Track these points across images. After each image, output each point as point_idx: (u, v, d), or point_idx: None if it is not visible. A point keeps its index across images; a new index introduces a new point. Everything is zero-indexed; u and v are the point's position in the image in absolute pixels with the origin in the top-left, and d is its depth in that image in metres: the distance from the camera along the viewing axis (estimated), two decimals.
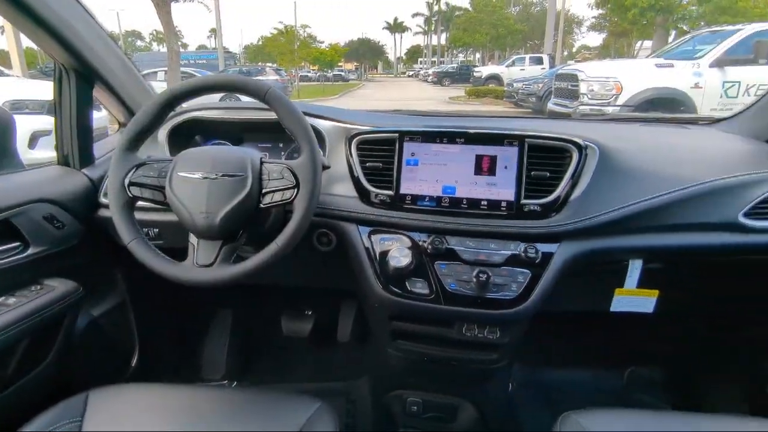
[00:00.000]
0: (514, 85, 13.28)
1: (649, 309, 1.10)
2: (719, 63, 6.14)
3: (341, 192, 1.04)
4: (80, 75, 1.11)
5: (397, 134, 1.00)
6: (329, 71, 31.51)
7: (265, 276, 0.84)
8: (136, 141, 0.89)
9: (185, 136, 1.23)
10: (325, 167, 0.96)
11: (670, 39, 16.35)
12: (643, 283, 1.06)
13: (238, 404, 0.89)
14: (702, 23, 15.68)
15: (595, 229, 0.94)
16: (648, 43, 20.77)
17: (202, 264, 0.85)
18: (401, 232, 0.99)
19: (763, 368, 1.21)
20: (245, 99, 0.95)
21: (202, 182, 0.84)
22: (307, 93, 20.66)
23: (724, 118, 1.31)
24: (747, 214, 0.96)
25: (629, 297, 1.09)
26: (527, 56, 20.96)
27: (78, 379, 1.12)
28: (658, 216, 0.96)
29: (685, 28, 16.77)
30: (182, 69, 11.21)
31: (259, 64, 30.59)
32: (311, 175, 0.83)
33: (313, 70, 35.79)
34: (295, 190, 0.84)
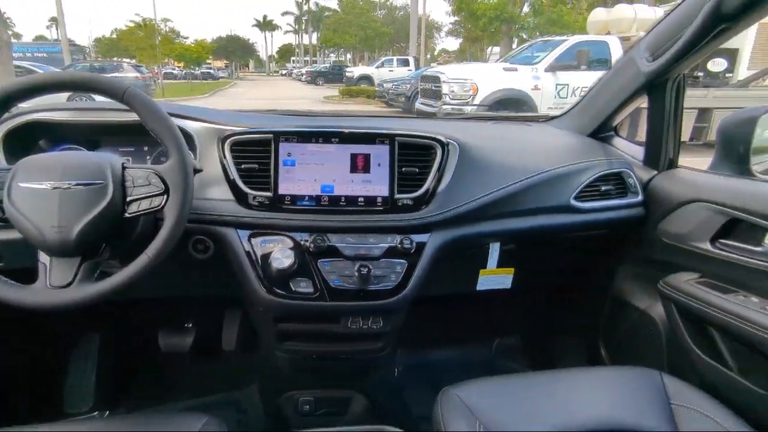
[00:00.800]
0: (384, 85, 13.85)
1: (508, 285, 1.26)
2: (552, 68, 7.18)
3: (217, 195, 1.00)
4: None
5: (272, 135, 1.00)
6: (197, 69, 29.41)
7: (137, 290, 0.78)
8: None
9: (25, 141, 1.07)
10: (197, 170, 0.91)
11: (514, 46, 18.51)
12: (502, 263, 1.21)
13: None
14: (537, 33, 18.04)
15: (460, 217, 1.05)
16: (497, 49, 23.21)
17: (57, 285, 0.75)
18: (282, 233, 1.00)
19: (593, 326, 1.46)
20: (100, 99, 0.86)
21: (52, 193, 0.75)
22: (173, 91, 19.10)
23: (556, 116, 1.55)
24: (576, 198, 1.16)
25: (491, 276, 1.24)
26: (395, 58, 21.94)
27: None
28: (509, 203, 1.10)
29: (525, 36, 19.12)
30: (16, 63, 9.44)
31: (115, 59, 27.25)
32: (182, 180, 0.80)
33: (179, 67, 33.05)
34: (165, 196, 0.80)
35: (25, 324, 1.32)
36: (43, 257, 0.78)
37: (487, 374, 0.99)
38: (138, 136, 1.09)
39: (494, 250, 1.19)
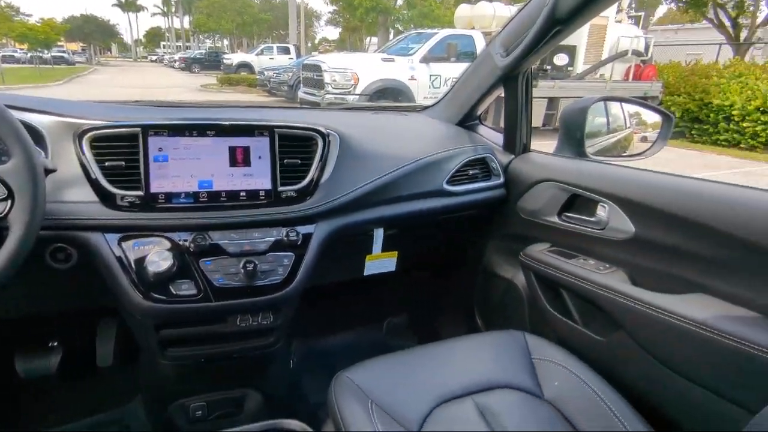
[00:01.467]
0: (266, 73, 13.39)
1: (392, 268, 1.34)
2: (425, 59, 7.61)
3: (77, 197, 0.90)
4: None
5: (139, 128, 0.92)
6: (46, 52, 25.19)
7: None
8: None
9: None
10: (50, 170, 0.81)
11: (390, 36, 19.12)
12: (386, 247, 1.28)
13: None
14: (412, 25, 18.84)
15: (344, 207, 1.09)
16: (375, 39, 23.73)
17: None
18: (158, 234, 0.94)
19: (470, 298, 1.62)
20: None
21: None
22: (16, 77, 16.29)
23: (429, 106, 1.66)
24: (448, 182, 1.27)
25: (377, 261, 1.30)
26: (275, 45, 21.28)
27: None
28: (388, 190, 1.17)
29: (400, 28, 19.85)
30: None
31: None
32: (29, 182, 0.71)
33: (22, 49, 28.01)
34: (8, 202, 0.71)
35: None
36: None
37: (380, 354, 1.05)
38: None
39: (378, 236, 1.26)
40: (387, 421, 0.87)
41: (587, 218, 1.17)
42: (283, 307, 1.05)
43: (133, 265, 0.91)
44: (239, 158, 0.99)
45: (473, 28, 9.22)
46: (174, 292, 0.92)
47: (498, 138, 1.47)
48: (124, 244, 0.91)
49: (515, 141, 1.38)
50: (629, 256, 1.06)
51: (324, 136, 1.07)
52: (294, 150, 1.04)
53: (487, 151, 1.37)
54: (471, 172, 1.32)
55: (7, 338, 1.32)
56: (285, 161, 1.02)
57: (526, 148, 1.40)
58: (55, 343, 1.35)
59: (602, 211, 1.13)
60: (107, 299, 0.96)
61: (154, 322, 0.96)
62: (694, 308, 0.88)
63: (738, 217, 0.84)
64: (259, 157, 1.00)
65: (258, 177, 1.00)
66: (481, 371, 1.01)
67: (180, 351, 1.03)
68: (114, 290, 0.92)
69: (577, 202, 1.21)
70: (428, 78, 7.58)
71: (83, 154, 0.90)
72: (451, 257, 1.70)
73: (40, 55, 24.16)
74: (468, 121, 1.52)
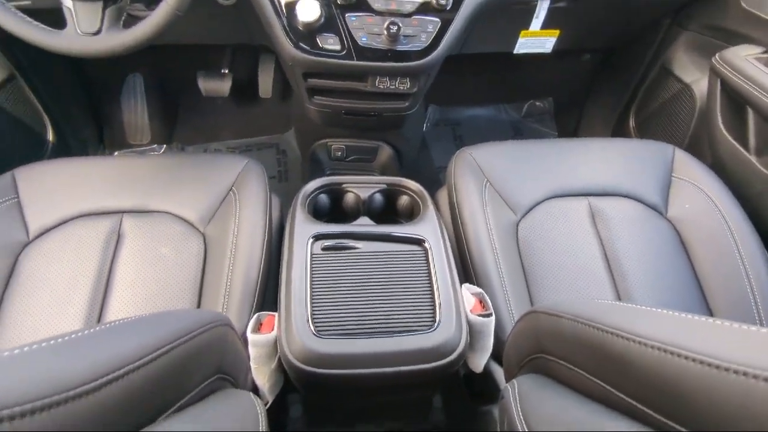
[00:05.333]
0: None
1: (548, 49, 1.18)
2: None
3: None
4: None
5: None
6: None
7: (168, 37, 0.78)
8: None
9: None
10: None
11: None
12: (547, 23, 1.10)
13: (169, 168, 0.95)
14: None
15: None
16: None
17: (86, 32, 0.76)
18: None
19: (628, 96, 1.41)
20: None
21: None
22: None
23: None
24: None
25: (533, 38, 1.14)
26: None
27: None
28: None
29: None
30: None
31: None
32: None
33: None
34: None
35: (73, 65, 1.38)
36: (66, 0, 0.76)
37: (514, 136, 1.03)
38: None
39: (542, 8, 1.07)
40: (497, 202, 0.93)
41: None
42: (422, 74, 1.04)
43: (284, 10, 0.92)
44: None
45: None
46: (320, 45, 0.95)
47: None
48: None
49: None
50: None
51: None
52: None
53: None
54: None
55: (190, 62, 1.55)
56: None
57: None
58: (226, 71, 1.55)
59: None
60: (266, 39, 1.03)
61: (302, 70, 1.03)
62: None
63: None
64: None
65: None
66: (608, 175, 0.97)
67: (324, 100, 1.12)
68: (269, 34, 0.97)
69: None
70: None
71: None
72: (622, 43, 1.42)
73: None
74: None
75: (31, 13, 0.77)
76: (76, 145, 1.44)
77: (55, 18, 0.78)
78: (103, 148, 1.61)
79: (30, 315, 0.75)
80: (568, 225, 0.91)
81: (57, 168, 0.93)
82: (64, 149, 1.37)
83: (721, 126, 1.03)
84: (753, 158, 0.97)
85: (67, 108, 1.40)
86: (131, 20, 0.78)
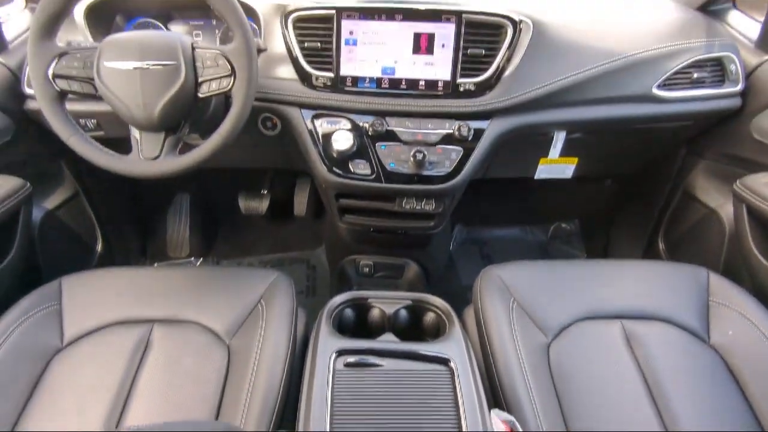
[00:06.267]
0: None
1: (569, 175, 1.24)
2: None
3: (281, 75, 1.03)
4: None
5: (334, 10, 0.97)
6: None
7: (216, 161, 0.87)
8: (50, 26, 0.83)
9: (105, 15, 1.13)
10: (261, 50, 0.93)
11: None
12: (565, 151, 1.17)
13: (203, 280, 1.00)
14: None
15: (525, 104, 1.01)
16: None
17: (147, 157, 0.87)
18: (343, 114, 1.03)
19: (655, 219, 1.42)
20: None
21: (134, 73, 0.82)
22: None
23: None
24: (660, 86, 1.05)
25: (552, 165, 1.21)
26: None
27: (45, 271, 1.19)
28: (581, 90, 1.03)
29: None
30: None
31: None
32: (247, 63, 0.83)
33: None
34: (232, 78, 0.84)
35: (129, 185, 1.54)
36: (135, 131, 0.88)
37: (541, 257, 1.04)
38: (207, 10, 1.10)
39: (559, 139, 1.15)
40: (525, 322, 0.90)
41: None
42: (446, 197, 1.09)
43: (321, 140, 1.03)
44: (423, 46, 0.97)
45: None
46: (352, 170, 1.04)
47: (754, 31, 1.12)
48: (315, 121, 1.03)
49: None
50: None
51: (515, 23, 0.96)
52: (480, 38, 0.97)
53: (728, 49, 1.06)
54: (696, 75, 1.06)
55: (233, 183, 1.70)
56: (468, 51, 0.97)
57: None
58: (265, 192, 1.69)
59: None
60: (301, 164, 1.13)
61: (335, 192, 1.11)
62: None
63: None
64: (443, 46, 0.97)
65: (439, 67, 0.98)
66: (642, 298, 0.94)
67: (354, 218, 1.18)
68: (306, 159, 1.07)
69: None
70: None
71: (288, 33, 1.00)
72: (642, 169, 1.47)
73: None
74: (715, 4, 1.18)
75: (103, 141, 0.89)
76: (121, 255, 1.54)
77: (121, 145, 0.89)
78: (145, 259, 1.71)
79: (52, 421, 0.75)
80: (602, 348, 0.87)
81: (99, 277, 0.99)
82: (110, 259, 1.46)
83: (756, 251, 1.01)
84: None
85: (119, 224, 1.53)
86: (186, 147, 0.89)
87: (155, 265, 1.71)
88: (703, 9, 1.18)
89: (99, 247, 1.44)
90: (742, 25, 1.15)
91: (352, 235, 1.30)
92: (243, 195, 1.69)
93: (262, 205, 1.68)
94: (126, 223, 1.60)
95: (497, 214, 1.82)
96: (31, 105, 1.09)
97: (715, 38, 1.08)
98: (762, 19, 1.08)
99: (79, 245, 1.40)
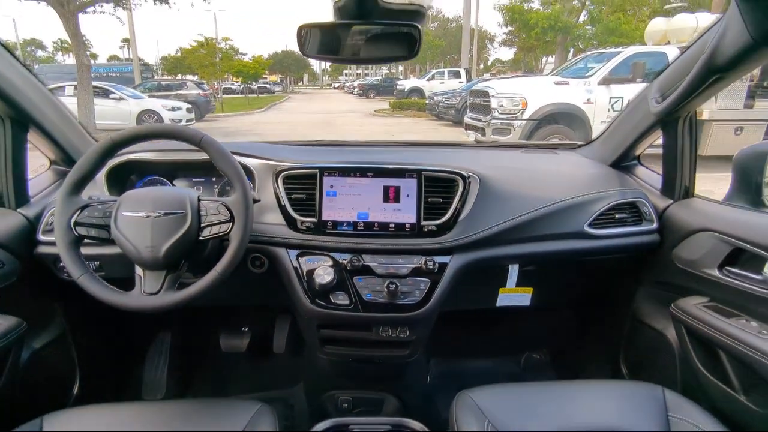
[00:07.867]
0: (435, 98, 13.98)
1: (526, 303, 1.37)
2: (606, 81, 7.01)
3: (271, 221, 1.20)
4: (15, 121, 1.18)
5: (317, 170, 1.19)
6: (253, 83, 30.94)
7: (204, 299, 0.97)
8: (79, 185, 1.00)
9: (120, 175, 1.33)
10: (256, 201, 1.12)
11: (569, 56, 18.07)
12: (521, 282, 1.33)
13: (185, 413, 1.01)
14: (595, 42, 17.51)
15: (479, 242, 1.19)
16: (552, 58, 22.72)
17: (149, 292, 0.97)
18: (324, 253, 1.18)
19: (615, 342, 1.53)
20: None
21: (146, 220, 0.97)
22: (231, 106, 20.19)
23: (584, 144, 1.64)
24: (590, 225, 1.26)
25: (510, 294, 1.36)
26: (446, 70, 22.05)
27: (21, 409, 1.17)
28: (525, 229, 1.23)
29: (580, 46, 18.61)
30: (93, 83, 10.32)
31: (179, 77, 29.29)
32: (244, 211, 0.99)
33: (237, 82, 34.96)
34: (231, 223, 1.00)
35: (112, 322, 1.59)
36: (139, 270, 1.00)
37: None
38: (207, 171, 1.32)
39: (513, 271, 1.31)
40: None
41: (753, 275, 1.05)
42: (418, 324, 1.20)
43: (305, 275, 1.16)
44: (391, 196, 1.18)
45: (668, 43, 8.21)
46: (333, 301, 1.15)
47: (657, 181, 1.39)
48: (300, 259, 1.18)
49: (674, 185, 1.29)
50: None
51: (465, 178, 1.19)
52: (437, 190, 1.19)
53: (638, 195, 1.31)
54: (618, 216, 1.29)
55: (215, 322, 1.76)
56: (429, 199, 1.18)
57: (688, 193, 1.30)
58: (246, 329, 1.75)
59: None
60: (285, 300, 1.24)
61: (317, 322, 1.20)
62: None
63: None
64: (407, 195, 1.18)
65: (405, 212, 1.18)
66: (606, 416, 0.99)
67: (334, 349, 1.25)
68: (290, 293, 1.19)
69: (743, 256, 1.09)
70: (607, 101, 6.96)
71: (278, 187, 1.20)
72: (595, 298, 1.63)
73: (250, 86, 29.42)
74: (624, 161, 1.47)
75: (108, 279, 1.00)
76: (95, 396, 1.50)
77: (119, 284, 0.99)
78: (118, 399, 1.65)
79: None
80: None
81: (80, 416, 0.99)
82: (86, 399, 1.43)
83: (703, 370, 1.11)
84: (742, 398, 1.02)
85: (97, 365, 1.53)
86: (180, 286, 1.00)
87: None
88: (614, 165, 1.46)
89: (76, 388, 1.42)
90: (647, 177, 1.43)
91: (332, 367, 1.35)
92: (224, 332, 1.74)
93: (243, 342, 1.72)
94: (104, 364, 1.59)
95: (471, 346, 1.89)
96: (41, 250, 1.21)
97: (627, 187, 1.34)
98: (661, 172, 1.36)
99: (56, 385, 1.39)
